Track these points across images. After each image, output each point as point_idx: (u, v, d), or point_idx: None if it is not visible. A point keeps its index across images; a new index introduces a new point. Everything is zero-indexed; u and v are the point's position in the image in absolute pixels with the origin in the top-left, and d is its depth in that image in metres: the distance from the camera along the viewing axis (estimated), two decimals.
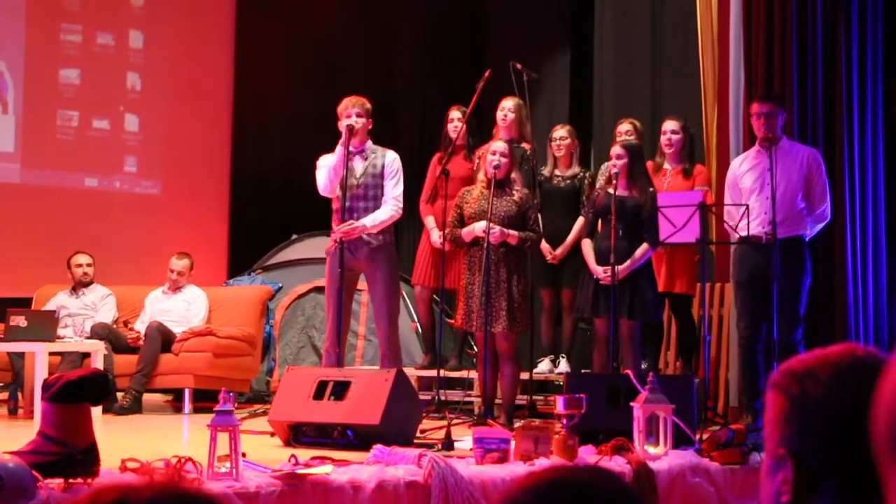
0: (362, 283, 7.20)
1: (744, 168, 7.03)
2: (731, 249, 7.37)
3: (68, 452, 4.08)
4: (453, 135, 7.88)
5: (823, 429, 1.40)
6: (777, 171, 6.73)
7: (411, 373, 7.13)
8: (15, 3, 10.52)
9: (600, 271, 6.80)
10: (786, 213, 6.77)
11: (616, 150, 7.02)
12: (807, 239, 6.92)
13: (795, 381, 1.51)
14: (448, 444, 5.36)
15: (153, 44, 11.06)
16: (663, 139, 7.64)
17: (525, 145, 7.74)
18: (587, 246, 7.09)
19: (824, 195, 6.88)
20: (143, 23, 11.07)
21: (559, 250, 7.67)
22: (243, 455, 4.30)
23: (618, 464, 4.86)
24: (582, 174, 7.85)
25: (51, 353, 7.56)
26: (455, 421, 6.08)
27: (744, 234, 6.80)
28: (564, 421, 5.07)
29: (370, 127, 6.95)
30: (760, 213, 6.79)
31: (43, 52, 10.63)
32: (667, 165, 7.65)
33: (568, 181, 7.85)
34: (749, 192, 6.94)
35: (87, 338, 8.18)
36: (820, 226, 6.96)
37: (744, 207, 6.80)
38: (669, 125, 7.66)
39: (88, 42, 10.86)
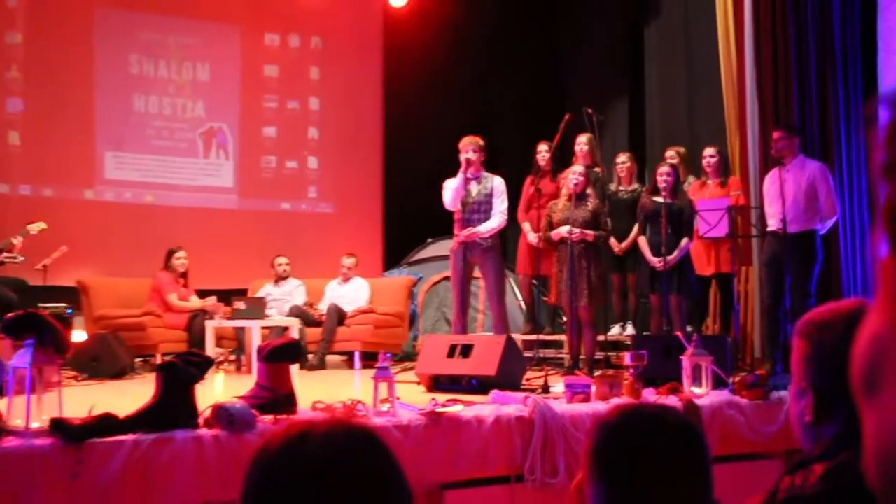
0: (477, 273, 7.18)
1: (769, 181, 6.91)
2: (754, 240, 7.38)
3: (275, 397, 4.12)
4: (542, 162, 7.86)
5: (837, 367, 1.36)
6: (789, 181, 6.64)
7: (517, 337, 7.06)
8: (232, 82, 10.74)
9: (656, 261, 6.86)
10: (795, 214, 6.61)
11: (664, 169, 7.05)
12: (820, 233, 6.70)
13: (815, 330, 1.50)
14: (546, 388, 5.29)
15: (325, 105, 11.19)
16: (704, 161, 7.74)
17: (597, 169, 7.72)
18: (642, 241, 7.16)
19: (829, 198, 6.67)
20: (319, 91, 11.19)
21: (623, 244, 7.57)
22: (398, 398, 4.30)
23: (671, 401, 4.77)
24: (639, 189, 7.72)
25: (262, 327, 7.67)
26: (550, 372, 6.00)
27: (770, 229, 6.77)
28: (631, 370, 4.98)
29: (483, 158, 6.93)
30: (777, 213, 6.64)
31: (251, 115, 10.82)
32: (709, 181, 7.70)
33: (629, 194, 7.75)
34: (771, 198, 6.80)
35: (286, 316, 8.30)
36: (830, 222, 6.73)
37: (762, 209, 6.90)
38: (708, 151, 7.75)
39: (281, 107, 11.02)
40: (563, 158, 8.05)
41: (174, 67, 10.46)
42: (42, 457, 3.31)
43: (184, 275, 8.43)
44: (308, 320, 8.34)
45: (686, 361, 5.10)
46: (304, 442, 1.18)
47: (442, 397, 4.66)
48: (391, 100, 11.21)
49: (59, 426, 3.39)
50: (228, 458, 3.49)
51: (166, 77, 10.41)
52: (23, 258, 7.49)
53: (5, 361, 4.15)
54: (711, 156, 7.66)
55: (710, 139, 8.09)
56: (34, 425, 3.43)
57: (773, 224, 6.74)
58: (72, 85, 9.87)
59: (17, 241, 7.39)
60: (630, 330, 7.84)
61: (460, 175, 6.78)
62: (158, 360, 7.37)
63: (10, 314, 3.80)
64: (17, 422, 3.45)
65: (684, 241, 6.94)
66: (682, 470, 1.38)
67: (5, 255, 7.11)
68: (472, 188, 6.85)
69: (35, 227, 7.58)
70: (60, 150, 9.77)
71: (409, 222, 10.32)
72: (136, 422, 3.56)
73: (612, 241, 7.45)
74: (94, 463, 3.37)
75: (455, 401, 4.51)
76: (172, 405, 3.67)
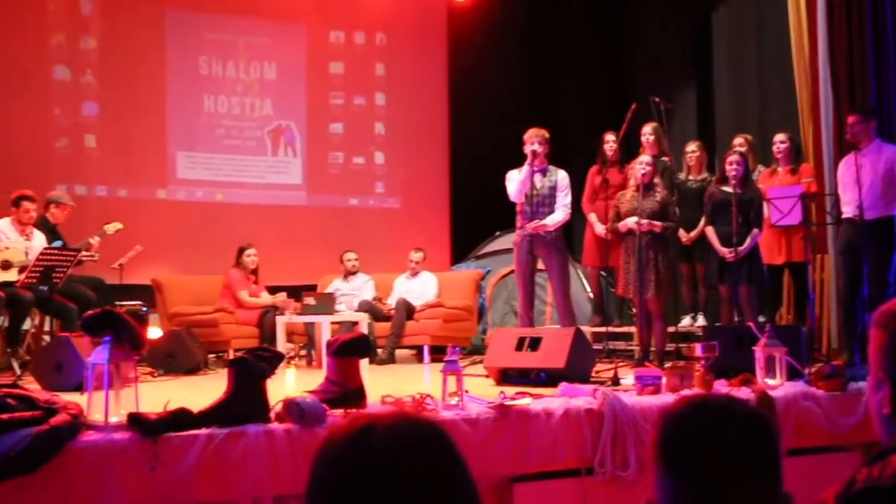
0: (542, 265, 7.16)
1: (844, 167, 6.76)
2: (829, 228, 7.22)
3: (345, 392, 4.14)
4: (609, 153, 7.78)
5: None
6: (866, 166, 6.49)
7: (586, 329, 7.02)
8: (299, 80, 10.86)
9: (725, 251, 6.75)
10: (872, 200, 6.45)
11: (732, 158, 6.90)
12: None
13: (892, 320, 1.46)
14: (615, 381, 5.25)
15: (391, 100, 11.24)
16: (774, 148, 7.52)
17: (665, 158, 7.60)
18: (710, 232, 7.02)
19: None
20: (384, 87, 11.26)
21: (692, 234, 7.45)
22: (466, 391, 4.30)
23: (744, 393, 4.69)
24: (709, 178, 7.58)
25: (332, 323, 7.74)
26: (620, 364, 5.96)
27: (846, 216, 6.63)
28: (703, 362, 4.91)
29: (548, 151, 6.89)
30: (853, 200, 6.48)
31: (318, 112, 10.93)
32: (779, 168, 7.47)
33: (698, 183, 7.61)
34: (846, 184, 6.64)
35: (355, 311, 8.37)
36: None
37: (836, 196, 6.73)
38: (778, 137, 7.52)
39: (348, 103, 11.11)
40: (629, 148, 7.97)
41: (242, 67, 10.62)
42: (121, 450, 3.40)
43: (254, 271, 8.55)
44: (377, 315, 8.40)
45: (759, 352, 5.01)
46: (368, 434, 1.19)
47: (510, 390, 4.65)
48: (456, 93, 11.21)
49: (136, 421, 3.47)
50: (299, 451, 3.54)
51: (234, 77, 10.58)
52: (99, 255, 7.68)
53: (84, 358, 4.27)
54: (782, 142, 7.44)
55: (781, 126, 7.88)
56: (112, 420, 3.52)
57: (848, 211, 6.59)
58: (144, 87, 10.10)
59: (95, 241, 7.59)
60: (701, 321, 7.73)
61: (526, 167, 6.76)
62: (231, 355, 7.50)
63: (89, 312, 3.89)
64: (97, 416, 3.55)
65: (754, 231, 6.83)
66: (750, 461, 1.36)
67: (83, 254, 7.30)
68: (537, 181, 6.82)
69: (111, 228, 7.77)
70: (134, 152, 10.01)
71: (477, 215, 10.32)
72: (209, 416, 3.63)
73: (681, 231, 7.35)
74: (170, 456, 3.45)
75: (524, 394, 4.50)
76: (244, 400, 3.73)
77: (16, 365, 6.49)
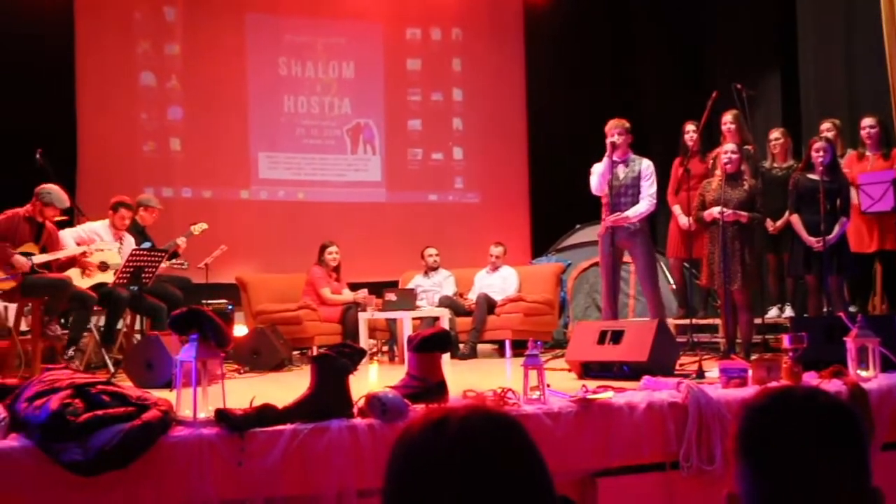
0: (627, 258, 7.08)
1: None
2: None
3: (426, 387, 4.17)
4: (689, 143, 7.65)
5: None
6: None
7: (670, 322, 6.93)
8: (377, 78, 10.97)
9: (813, 241, 6.59)
10: None
11: (819, 145, 6.71)
12: None
13: None
14: (700, 374, 5.17)
15: (469, 95, 11.27)
16: (863, 133, 7.29)
17: (748, 146, 7.43)
18: (795, 220, 6.87)
19: None
20: (462, 82, 11.29)
21: (778, 223, 7.29)
22: (548, 385, 4.29)
23: (835, 385, 4.57)
24: (794, 165, 7.39)
25: (413, 318, 7.79)
26: (705, 357, 5.86)
27: None
28: (790, 353, 4.80)
29: (630, 141, 6.81)
30: None
31: (396, 109, 11.02)
32: (868, 153, 7.24)
33: (783, 171, 7.44)
34: None
35: (436, 306, 8.41)
36: None
37: None
38: (867, 121, 7.29)
39: (425, 100, 11.17)
40: (711, 138, 7.83)
41: (321, 67, 10.77)
42: (209, 445, 3.48)
43: (336, 269, 8.66)
44: (458, 310, 8.42)
45: (850, 343, 4.87)
46: (443, 425, 1.21)
47: (593, 384, 4.61)
48: (534, 85, 11.18)
49: (223, 416, 3.55)
50: (382, 446, 3.57)
51: (313, 77, 10.73)
52: (188, 264, 7.88)
53: (173, 356, 4.38)
54: (871, 126, 7.20)
55: (871, 109, 7.62)
56: (201, 415, 3.62)
57: None
58: (226, 90, 10.32)
59: (182, 241, 7.79)
60: (788, 312, 7.56)
61: (605, 159, 6.70)
62: (314, 352, 7.61)
63: (176, 311, 3.99)
64: (186, 412, 3.65)
65: (842, 219, 6.66)
66: (835, 455, 1.32)
67: (174, 262, 7.52)
68: (620, 171, 6.74)
69: (197, 228, 7.97)
70: (218, 154, 10.24)
71: (557, 208, 10.27)
72: (294, 412, 3.69)
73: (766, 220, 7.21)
74: (257, 451, 3.52)
75: (606, 387, 4.46)
76: (328, 395, 3.78)
77: (110, 363, 6.70)
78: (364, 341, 7.65)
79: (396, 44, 11.03)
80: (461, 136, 11.26)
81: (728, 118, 7.49)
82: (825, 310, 6.73)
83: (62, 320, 6.96)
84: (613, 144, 6.67)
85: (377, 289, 8.34)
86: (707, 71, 10.53)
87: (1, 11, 9.05)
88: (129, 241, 7.44)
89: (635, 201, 6.69)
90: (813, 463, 1.31)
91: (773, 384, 4.52)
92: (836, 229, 6.63)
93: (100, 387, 3.60)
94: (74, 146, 9.67)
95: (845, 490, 1.31)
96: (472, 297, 8.65)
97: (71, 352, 6.56)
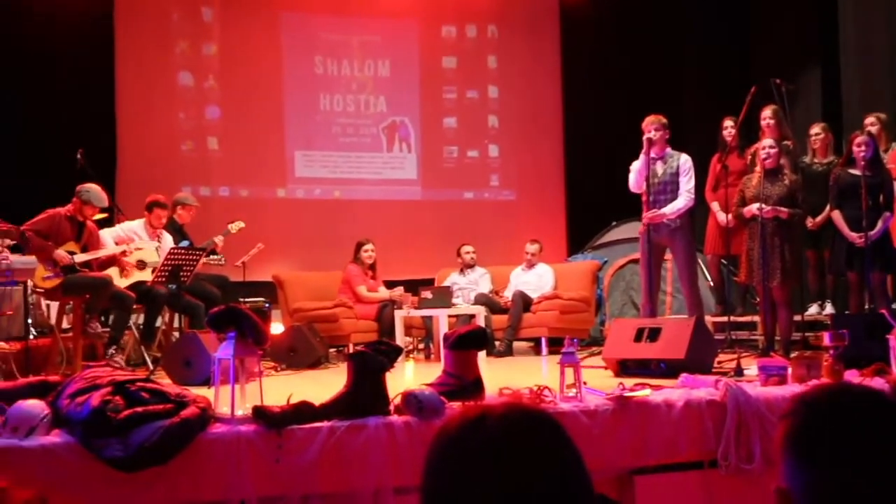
0: (667, 255, 7.03)
1: None
2: None
3: (462, 384, 4.17)
4: (728, 138, 7.58)
5: None
6: None
7: (708, 319, 6.87)
8: (412, 76, 10.99)
9: (855, 236, 6.52)
10: None
11: (861, 139, 6.64)
12: None
13: None
14: (738, 371, 5.12)
15: (504, 92, 11.26)
16: None
17: (787, 142, 7.35)
18: (837, 216, 6.82)
19: None
20: (497, 79, 11.28)
21: (818, 219, 7.21)
22: (585, 383, 4.27)
23: (878, 383, 4.50)
24: (835, 161, 7.30)
25: (449, 316, 7.79)
26: (743, 354, 5.80)
27: None
28: (831, 351, 4.74)
29: (667, 137, 6.75)
30: None
31: (431, 107, 11.04)
32: None
33: (824, 166, 7.35)
34: None
35: (472, 304, 8.41)
36: None
37: None
38: None
39: (461, 97, 11.18)
40: (750, 133, 7.75)
41: (356, 65, 10.80)
42: (247, 442, 3.51)
43: (372, 266, 8.69)
44: (494, 308, 8.42)
45: (893, 341, 4.80)
46: (482, 424, 1.21)
47: (630, 382, 4.59)
48: (570, 81, 11.15)
49: (261, 413, 3.58)
50: (419, 443, 3.58)
51: (349, 75, 10.77)
52: (225, 260, 7.95)
53: (211, 353, 4.42)
54: None
55: None
56: (239, 412, 3.64)
57: None
58: (262, 89, 10.40)
59: (220, 240, 7.86)
60: (829, 309, 7.47)
61: (642, 156, 6.65)
62: (350, 349, 7.64)
63: (214, 309, 4.02)
64: (224, 409, 3.68)
65: (885, 214, 6.58)
66: (892, 453, 1.29)
67: (212, 258, 7.59)
68: (658, 168, 6.69)
69: (235, 227, 8.03)
70: (254, 152, 10.32)
71: (593, 206, 10.23)
72: (331, 409, 3.71)
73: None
74: (294, 448, 3.54)
75: (643, 385, 4.44)
76: (364, 393, 3.79)
77: (149, 360, 6.78)
78: (400, 339, 7.68)
79: (432, 41, 11.04)
80: (497, 133, 11.25)
81: (767, 113, 7.42)
82: (867, 307, 6.64)
83: (102, 318, 7.05)
84: (650, 141, 6.62)
85: (413, 286, 8.36)
86: (746, 66, 10.42)
87: (42, 14, 9.19)
88: (168, 239, 7.52)
89: (674, 198, 6.62)
90: (875, 463, 1.28)
91: (814, 382, 4.48)
92: (879, 225, 6.56)
93: (139, 384, 3.64)
94: (114, 146, 9.79)
95: None
96: (508, 294, 8.64)
97: (112, 350, 6.65)
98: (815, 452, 1.30)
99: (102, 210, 7.06)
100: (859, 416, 1.32)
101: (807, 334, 6.99)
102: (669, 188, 6.66)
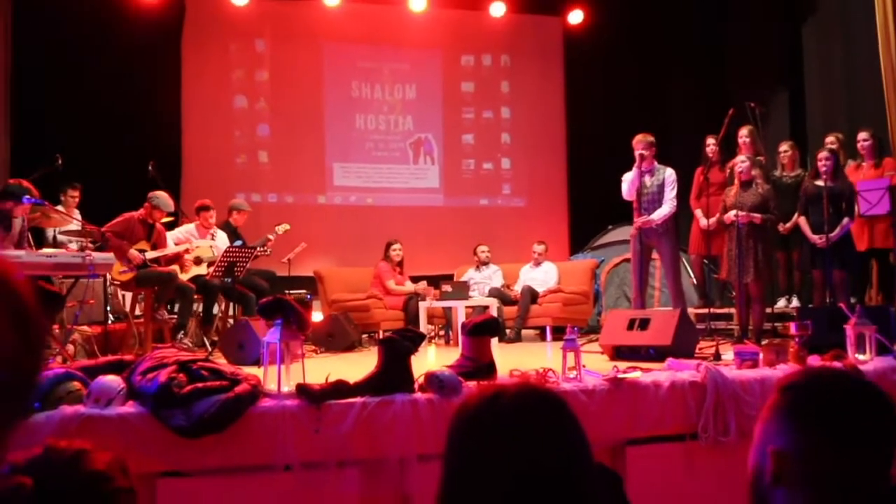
0: (655, 255, 7.01)
1: None
2: None
3: (478, 366, 4.17)
4: (710, 154, 7.56)
5: None
6: None
7: (691, 311, 6.84)
8: (436, 99, 10.98)
9: (817, 238, 6.49)
10: None
11: (822, 154, 6.66)
12: None
13: None
14: (717, 356, 5.11)
15: (515, 113, 11.24)
16: (858, 145, 7.23)
17: (760, 157, 7.33)
18: (802, 222, 6.84)
19: None
20: (509, 102, 11.26)
21: (788, 225, 7.16)
22: (584, 366, 4.27)
23: (836, 367, 4.46)
24: (802, 174, 7.27)
25: (466, 307, 7.80)
26: (721, 341, 5.78)
27: None
28: (797, 339, 4.72)
29: (654, 153, 6.75)
30: None
31: (452, 125, 11.03)
32: (863, 163, 7.16)
33: (792, 179, 7.32)
34: None
35: (487, 296, 8.41)
36: None
37: None
38: (862, 135, 7.23)
39: (478, 117, 11.16)
40: (729, 149, 7.72)
41: (387, 89, 10.82)
42: (291, 415, 3.53)
43: (400, 263, 8.70)
44: (505, 300, 8.42)
45: (850, 330, 4.78)
46: (497, 399, 1.23)
47: (623, 365, 4.59)
48: (573, 103, 11.12)
49: (303, 390, 3.60)
50: (440, 417, 3.59)
51: (381, 98, 10.79)
52: (270, 251, 7.98)
53: (261, 338, 4.45)
54: (865, 139, 7.14)
55: (869, 124, 7.48)
56: (284, 389, 3.67)
57: None
58: (306, 110, 10.44)
59: (273, 237, 7.91)
60: (795, 302, 7.42)
61: (635, 169, 6.67)
62: (380, 335, 7.67)
63: (263, 300, 4.05)
64: (271, 386, 3.70)
65: (845, 220, 6.56)
66: (884, 434, 1.30)
67: (259, 249, 7.63)
68: (647, 180, 6.72)
69: (281, 228, 8.07)
70: (299, 164, 10.36)
71: (592, 212, 10.20)
72: (363, 387, 3.72)
73: None
74: (331, 420, 3.56)
75: (635, 368, 4.43)
76: (393, 373, 3.80)
77: (208, 343, 6.83)
78: (423, 326, 7.68)
79: (453, 69, 11.04)
80: (508, 148, 11.23)
81: (744, 132, 7.44)
82: (828, 301, 6.60)
83: (168, 306, 7.11)
84: (642, 156, 6.65)
85: (435, 281, 8.37)
86: (725, 91, 10.37)
87: (120, 47, 9.25)
88: (222, 236, 7.56)
89: (661, 205, 6.65)
90: (854, 420, 1.29)
91: (783, 366, 4.46)
92: (837, 229, 6.55)
93: (200, 363, 3.66)
94: (180, 159, 9.86)
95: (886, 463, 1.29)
96: (518, 288, 8.64)
97: (181, 335, 6.71)
98: (814, 417, 1.31)
99: (169, 214, 7.12)
100: (844, 389, 1.33)
101: (776, 324, 6.94)
102: (657, 198, 6.68)
